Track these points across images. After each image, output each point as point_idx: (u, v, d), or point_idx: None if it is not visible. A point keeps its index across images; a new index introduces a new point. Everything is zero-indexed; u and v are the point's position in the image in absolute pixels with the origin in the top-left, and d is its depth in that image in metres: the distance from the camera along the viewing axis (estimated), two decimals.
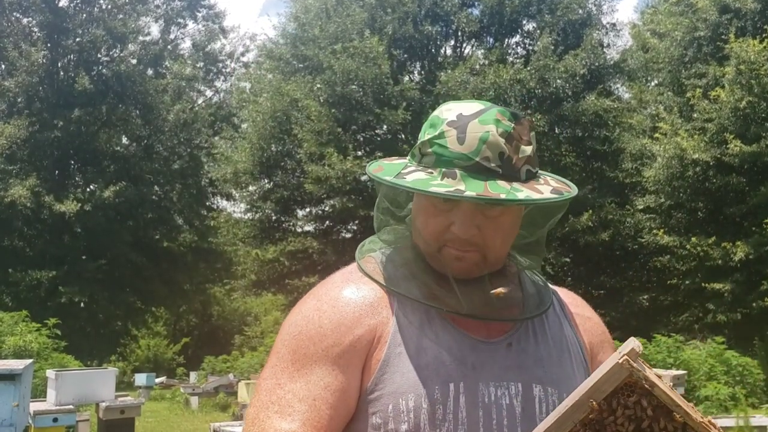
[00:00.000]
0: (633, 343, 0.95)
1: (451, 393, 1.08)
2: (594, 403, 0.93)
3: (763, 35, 14.87)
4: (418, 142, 1.18)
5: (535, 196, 1.10)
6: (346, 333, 1.12)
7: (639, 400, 0.95)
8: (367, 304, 1.15)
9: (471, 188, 1.07)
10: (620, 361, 0.92)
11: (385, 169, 1.18)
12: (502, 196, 1.07)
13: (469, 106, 1.16)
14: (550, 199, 1.11)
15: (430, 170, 1.12)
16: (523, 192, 1.09)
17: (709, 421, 0.96)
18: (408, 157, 1.21)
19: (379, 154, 20.05)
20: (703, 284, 15.57)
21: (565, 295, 1.31)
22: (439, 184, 1.09)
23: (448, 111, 1.16)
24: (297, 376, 1.11)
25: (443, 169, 1.11)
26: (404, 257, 1.22)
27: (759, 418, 8.42)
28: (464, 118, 1.13)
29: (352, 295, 1.17)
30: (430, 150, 1.14)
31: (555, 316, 1.24)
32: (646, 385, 0.94)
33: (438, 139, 1.13)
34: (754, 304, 14.96)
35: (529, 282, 1.25)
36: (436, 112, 1.18)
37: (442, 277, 1.16)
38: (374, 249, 1.28)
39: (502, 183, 1.09)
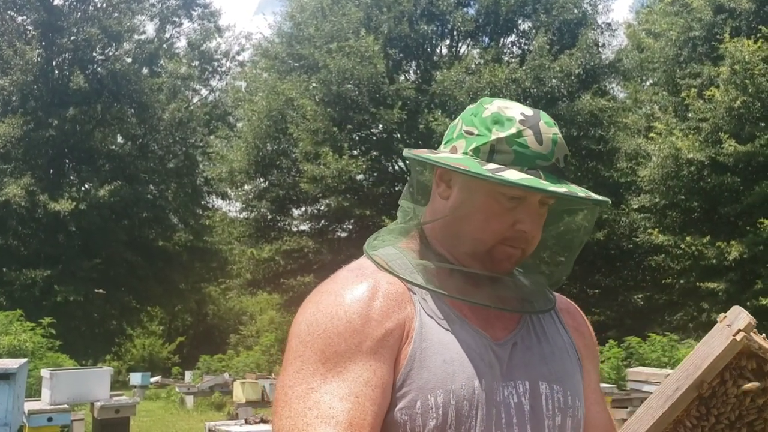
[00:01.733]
0: (745, 316, 0.98)
1: (476, 390, 1.07)
2: (707, 383, 0.97)
3: (758, 35, 14.91)
4: (491, 138, 1.13)
5: (602, 198, 1.15)
6: (377, 327, 1.07)
7: (752, 367, 0.99)
8: (392, 298, 1.10)
9: (556, 188, 1.09)
10: (738, 338, 0.95)
11: (469, 166, 1.12)
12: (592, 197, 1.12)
13: (521, 106, 1.18)
14: (604, 201, 1.15)
15: (512, 169, 1.11)
16: (595, 196, 1.12)
17: None
18: (468, 153, 1.16)
19: (374, 153, 20.06)
20: (697, 283, 15.61)
21: (559, 300, 1.31)
22: (546, 183, 1.09)
23: (507, 109, 1.16)
24: (331, 376, 1.04)
25: (527, 168, 1.10)
26: (417, 253, 1.19)
27: None
28: (531, 118, 1.14)
29: (375, 289, 1.10)
30: (510, 148, 1.12)
31: (550, 318, 1.25)
32: (760, 354, 0.97)
33: (518, 138, 1.12)
34: (748, 303, 14.97)
35: (523, 279, 1.26)
36: (493, 109, 1.17)
37: (465, 273, 1.16)
38: (382, 245, 1.23)
39: (573, 185, 1.12)
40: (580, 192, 1.10)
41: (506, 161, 1.12)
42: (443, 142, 1.24)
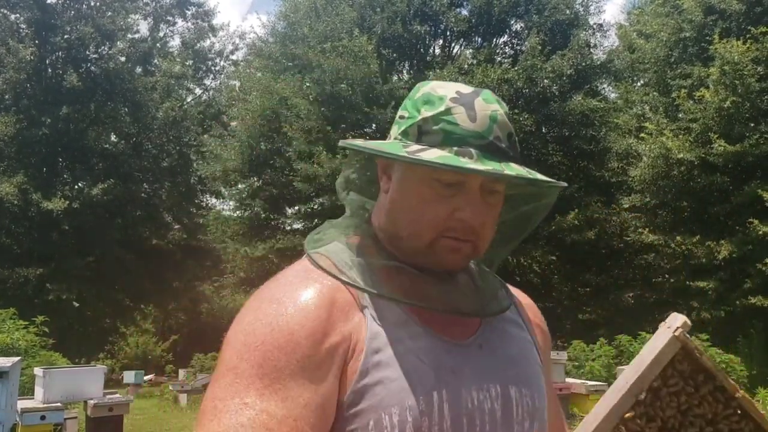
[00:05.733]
0: (681, 317, 1.06)
1: (435, 402, 0.97)
2: (652, 382, 1.05)
3: (748, 36, 15.03)
4: (418, 119, 1.05)
5: (554, 181, 1.04)
6: (322, 341, 0.96)
7: (689, 368, 1.06)
8: (338, 307, 0.99)
9: (482, 167, 0.99)
10: (676, 334, 1.02)
11: (387, 148, 1.03)
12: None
13: (460, 85, 1.08)
14: (556, 183, 1.05)
15: (437, 149, 1.01)
16: (540, 176, 1.02)
17: (735, 386, 1.11)
18: (397, 137, 1.07)
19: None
20: (687, 282, 15.72)
21: (518, 294, 1.24)
22: (469, 162, 0.98)
23: (441, 88, 1.07)
24: (268, 393, 0.92)
25: (456, 148, 0.99)
26: (367, 252, 1.08)
27: None
28: (467, 96, 1.04)
29: (320, 297, 0.99)
30: (436, 127, 1.02)
31: (512, 315, 1.17)
32: (696, 354, 1.04)
33: (445, 116, 1.02)
34: (737, 302, 15.10)
35: (481, 277, 1.17)
36: (426, 90, 1.08)
37: (415, 273, 1.06)
38: (324, 241, 1.12)
39: (515, 165, 1.01)
40: (523, 172, 0.99)
41: (434, 142, 1.02)
42: None
